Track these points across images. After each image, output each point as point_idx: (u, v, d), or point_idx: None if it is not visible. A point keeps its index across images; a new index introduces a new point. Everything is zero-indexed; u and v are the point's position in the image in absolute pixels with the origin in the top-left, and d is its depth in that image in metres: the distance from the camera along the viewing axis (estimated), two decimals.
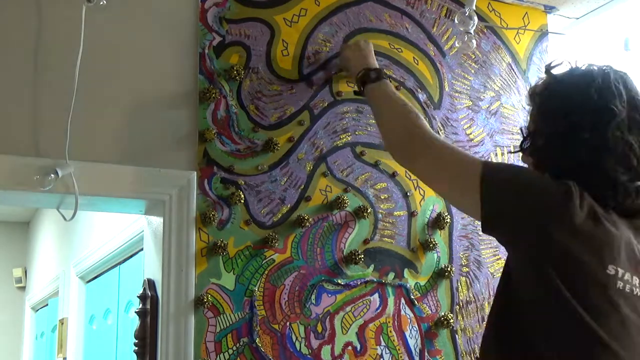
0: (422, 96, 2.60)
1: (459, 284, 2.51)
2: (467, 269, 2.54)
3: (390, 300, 2.40)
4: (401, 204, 2.49)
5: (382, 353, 2.35)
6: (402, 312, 2.41)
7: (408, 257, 2.46)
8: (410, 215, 2.49)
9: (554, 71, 1.54)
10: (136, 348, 2.18)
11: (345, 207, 2.39)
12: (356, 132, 2.47)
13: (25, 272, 6.55)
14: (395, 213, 2.47)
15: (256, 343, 2.19)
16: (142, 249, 2.61)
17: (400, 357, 2.37)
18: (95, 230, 3.99)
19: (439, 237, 2.51)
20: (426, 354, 2.41)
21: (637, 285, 1.35)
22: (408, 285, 2.43)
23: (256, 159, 2.31)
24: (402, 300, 2.42)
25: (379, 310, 2.38)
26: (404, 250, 2.46)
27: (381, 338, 2.37)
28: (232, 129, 2.29)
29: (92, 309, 4.20)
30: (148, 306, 2.17)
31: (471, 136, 2.66)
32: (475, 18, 2.24)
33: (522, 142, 1.58)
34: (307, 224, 2.32)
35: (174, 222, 2.18)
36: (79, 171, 2.06)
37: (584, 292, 1.32)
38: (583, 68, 1.51)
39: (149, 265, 2.29)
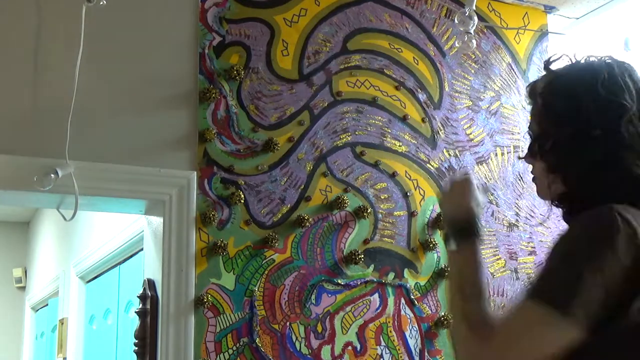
0: (422, 96, 2.60)
1: None
2: None
3: (390, 300, 2.40)
4: (401, 204, 2.49)
5: (382, 353, 2.35)
6: (402, 312, 2.41)
7: (408, 257, 2.46)
8: (410, 215, 2.49)
9: (554, 67, 1.47)
10: (136, 348, 2.18)
11: (345, 207, 2.39)
12: (356, 132, 2.47)
13: (25, 272, 6.54)
14: (395, 213, 2.47)
15: (256, 343, 2.19)
16: (142, 249, 2.60)
17: (400, 357, 2.37)
18: (95, 230, 3.98)
19: (439, 237, 2.51)
20: (426, 354, 2.41)
21: None
22: (408, 285, 2.43)
23: (256, 159, 2.31)
24: (402, 300, 2.42)
25: (379, 310, 2.38)
26: (404, 250, 2.46)
27: (381, 338, 2.37)
28: (232, 129, 2.29)
29: (92, 309, 4.20)
30: (148, 306, 2.17)
31: (471, 136, 2.66)
32: (475, 18, 2.24)
33: (530, 147, 1.47)
34: (307, 224, 2.32)
35: (174, 222, 2.18)
36: (79, 171, 2.06)
37: None
38: (584, 62, 1.44)
39: (149, 265, 2.29)
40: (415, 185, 2.52)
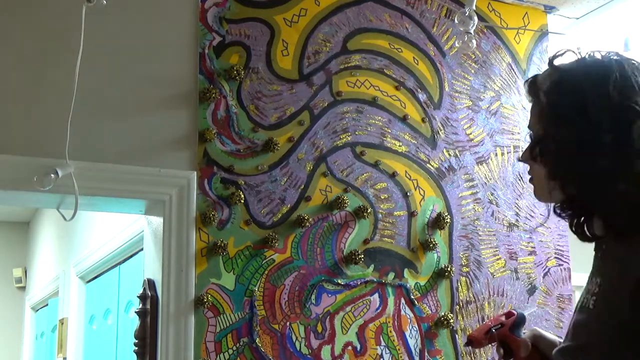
0: (422, 96, 2.60)
1: (459, 284, 2.51)
2: (467, 269, 2.54)
3: (390, 300, 2.40)
4: (401, 204, 2.49)
5: (382, 353, 2.35)
6: (402, 312, 2.41)
7: (408, 257, 2.46)
8: (410, 215, 2.49)
9: (559, 63, 1.33)
10: (136, 348, 2.18)
11: (345, 207, 2.39)
12: (356, 132, 2.47)
13: (25, 272, 6.54)
14: (395, 213, 2.47)
15: (256, 343, 2.19)
16: (142, 249, 2.60)
17: (400, 357, 2.37)
18: (95, 230, 3.98)
19: (439, 237, 2.51)
20: (426, 354, 2.41)
21: None
22: (408, 285, 2.43)
23: (256, 159, 2.31)
24: (402, 300, 2.42)
25: (379, 310, 2.38)
26: (404, 250, 2.46)
27: (381, 338, 2.37)
28: (232, 129, 2.29)
29: (92, 309, 4.20)
30: (148, 306, 2.17)
31: (471, 136, 2.66)
32: (475, 18, 2.24)
33: (530, 149, 1.34)
34: (307, 224, 2.32)
35: (174, 222, 2.18)
36: (79, 171, 2.06)
37: None
38: (590, 59, 1.31)
39: (149, 265, 2.29)
40: (415, 185, 2.52)
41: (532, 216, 2.70)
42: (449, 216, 2.53)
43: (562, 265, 2.72)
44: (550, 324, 2.61)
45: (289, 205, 2.33)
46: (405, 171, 2.51)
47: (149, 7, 2.27)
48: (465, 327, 2.48)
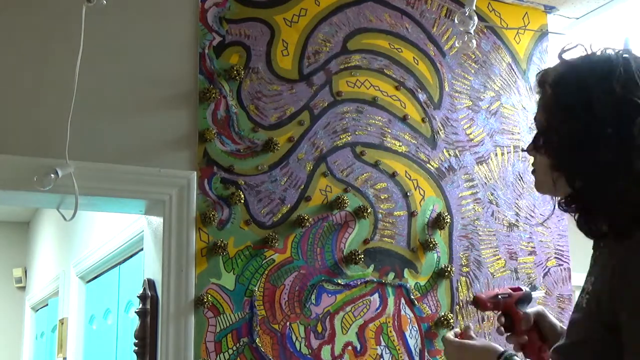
0: (422, 96, 2.60)
1: (459, 284, 2.51)
2: (467, 269, 2.54)
3: (390, 300, 2.40)
4: (401, 204, 2.49)
5: (382, 353, 2.35)
6: (402, 312, 2.41)
7: (408, 257, 2.46)
8: (410, 215, 2.49)
9: (568, 57, 1.35)
10: (136, 348, 2.18)
11: (345, 207, 2.39)
12: (356, 132, 2.47)
13: (25, 272, 6.54)
14: (395, 213, 2.47)
15: (256, 343, 2.19)
16: (142, 249, 2.60)
17: (400, 357, 2.37)
18: (95, 230, 3.98)
19: (439, 237, 2.51)
20: (426, 354, 2.41)
21: None
22: (408, 285, 2.43)
23: (256, 159, 2.31)
24: (402, 300, 2.42)
25: (379, 310, 2.38)
26: (404, 250, 2.46)
27: (381, 338, 2.37)
28: (232, 129, 2.29)
29: (92, 309, 4.20)
30: (148, 306, 2.17)
31: (471, 136, 2.66)
32: (475, 18, 2.24)
33: (534, 139, 1.35)
34: (307, 224, 2.32)
35: (174, 222, 2.18)
36: (79, 171, 2.06)
37: None
38: (599, 54, 1.33)
39: (149, 265, 2.29)
40: (415, 185, 2.52)
41: (532, 216, 2.70)
42: (449, 216, 2.53)
43: (562, 265, 2.72)
44: None
45: (289, 205, 2.33)
46: (405, 171, 2.51)
47: (149, 7, 2.27)
48: (465, 327, 2.48)
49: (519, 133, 2.75)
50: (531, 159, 1.40)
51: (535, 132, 1.38)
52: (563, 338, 1.31)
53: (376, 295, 2.39)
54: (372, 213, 2.42)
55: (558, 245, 2.73)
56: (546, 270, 2.68)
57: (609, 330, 1.19)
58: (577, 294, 1.93)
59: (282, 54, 2.41)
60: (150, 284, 2.21)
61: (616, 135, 1.22)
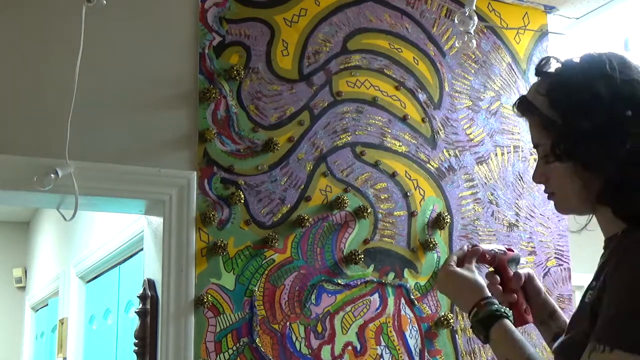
0: (422, 96, 2.60)
1: None
2: None
3: (390, 300, 2.40)
4: (401, 204, 2.49)
5: (382, 353, 2.35)
6: (402, 312, 2.41)
7: (408, 257, 2.46)
8: (410, 215, 2.49)
9: (551, 69, 1.34)
10: (136, 348, 2.18)
11: (345, 207, 2.39)
12: (356, 132, 2.47)
13: (25, 272, 6.54)
14: (395, 213, 2.47)
15: (256, 343, 2.19)
16: (142, 249, 2.60)
17: (400, 357, 2.37)
18: (95, 230, 3.98)
19: (439, 237, 2.51)
20: (426, 354, 2.41)
21: None
22: (408, 285, 2.43)
23: (256, 159, 2.31)
24: (402, 300, 2.42)
25: (379, 310, 2.38)
26: (404, 250, 2.46)
27: (381, 338, 2.37)
28: (232, 129, 2.29)
29: (92, 309, 4.20)
30: (148, 306, 2.17)
31: (471, 136, 2.66)
32: (475, 18, 2.24)
33: (552, 153, 1.30)
34: (307, 224, 2.32)
35: (174, 222, 2.18)
36: (79, 171, 2.06)
37: None
38: (575, 59, 1.32)
39: (149, 265, 2.29)
40: (415, 185, 2.52)
41: (532, 216, 2.70)
42: (449, 216, 2.53)
43: (562, 265, 2.72)
44: None
45: (289, 205, 2.33)
46: (405, 171, 2.51)
47: (149, 7, 2.27)
48: (465, 327, 2.48)
49: (519, 133, 2.75)
50: (529, 170, 1.36)
51: (541, 150, 1.34)
52: (564, 334, 1.31)
53: (376, 295, 2.39)
54: (372, 213, 2.43)
55: (558, 245, 2.73)
56: (546, 270, 2.68)
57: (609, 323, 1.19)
58: (577, 294, 1.92)
59: (282, 54, 2.41)
60: (150, 284, 2.21)
61: (634, 116, 1.22)
